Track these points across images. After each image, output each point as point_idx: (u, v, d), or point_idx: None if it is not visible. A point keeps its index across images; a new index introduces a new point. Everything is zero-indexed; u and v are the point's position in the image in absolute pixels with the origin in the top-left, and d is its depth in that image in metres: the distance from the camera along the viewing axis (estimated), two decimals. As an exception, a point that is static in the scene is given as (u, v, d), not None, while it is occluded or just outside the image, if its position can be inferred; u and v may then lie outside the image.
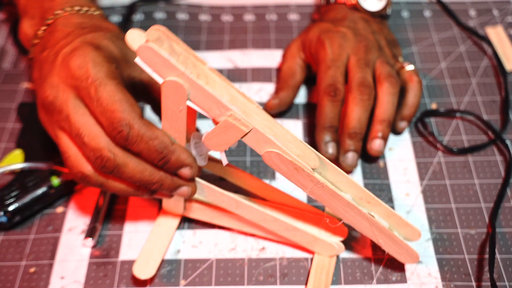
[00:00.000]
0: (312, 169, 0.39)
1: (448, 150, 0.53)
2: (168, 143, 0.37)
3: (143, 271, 0.44)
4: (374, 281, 0.45)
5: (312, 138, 0.55)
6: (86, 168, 0.38)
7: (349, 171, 0.51)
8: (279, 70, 0.60)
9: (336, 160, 0.50)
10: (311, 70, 0.57)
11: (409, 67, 0.54)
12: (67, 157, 0.39)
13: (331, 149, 0.50)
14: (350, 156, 0.50)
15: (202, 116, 0.55)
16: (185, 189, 0.41)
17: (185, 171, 0.39)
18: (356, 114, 0.50)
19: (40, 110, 0.41)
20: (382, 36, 0.57)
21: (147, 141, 0.36)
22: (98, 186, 0.39)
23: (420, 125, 0.56)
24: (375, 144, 0.50)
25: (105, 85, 0.36)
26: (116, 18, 0.67)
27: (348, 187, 0.42)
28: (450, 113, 0.57)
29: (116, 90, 0.36)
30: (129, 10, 0.68)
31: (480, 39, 0.64)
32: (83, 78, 0.36)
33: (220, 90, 0.38)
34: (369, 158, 0.53)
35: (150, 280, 0.45)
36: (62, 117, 0.38)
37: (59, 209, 0.50)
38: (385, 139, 0.51)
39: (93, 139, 0.37)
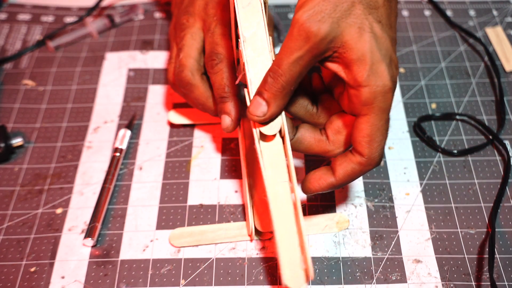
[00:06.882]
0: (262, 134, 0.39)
1: (448, 153, 0.53)
2: (231, 90, 0.46)
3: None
4: (374, 281, 0.45)
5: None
6: (170, 75, 0.50)
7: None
8: None
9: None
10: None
11: None
12: (169, 62, 0.51)
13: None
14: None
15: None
16: (227, 122, 0.47)
17: (226, 119, 0.47)
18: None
19: (171, 28, 0.54)
20: None
21: (222, 77, 0.46)
22: (179, 93, 0.51)
23: (418, 130, 0.56)
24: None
25: (221, 25, 0.48)
26: (116, 19, 0.67)
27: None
28: (445, 117, 0.57)
29: (226, 32, 0.48)
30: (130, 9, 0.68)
31: (476, 41, 0.64)
32: (212, 16, 0.49)
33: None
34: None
35: (151, 281, 0.45)
36: (181, 35, 0.50)
37: (59, 210, 0.50)
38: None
39: (185, 57, 0.48)
